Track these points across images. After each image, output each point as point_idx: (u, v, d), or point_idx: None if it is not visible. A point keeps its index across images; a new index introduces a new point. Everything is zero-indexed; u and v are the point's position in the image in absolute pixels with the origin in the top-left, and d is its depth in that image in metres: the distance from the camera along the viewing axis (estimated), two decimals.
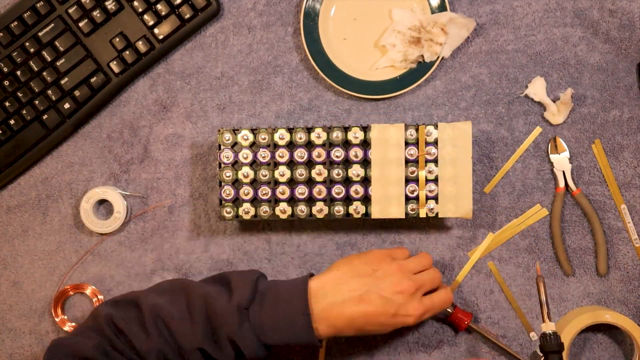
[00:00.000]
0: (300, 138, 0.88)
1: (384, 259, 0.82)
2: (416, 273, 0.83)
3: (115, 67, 0.93)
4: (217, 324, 0.77)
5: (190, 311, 0.78)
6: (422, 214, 0.87)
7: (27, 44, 0.93)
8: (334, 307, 0.77)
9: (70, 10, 0.93)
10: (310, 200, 0.89)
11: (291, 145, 0.89)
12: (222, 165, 0.89)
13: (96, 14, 0.92)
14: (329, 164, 0.89)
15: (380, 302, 0.78)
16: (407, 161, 0.87)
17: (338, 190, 0.88)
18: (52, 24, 0.93)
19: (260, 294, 0.78)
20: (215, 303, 0.77)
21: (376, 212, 0.88)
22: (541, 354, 0.78)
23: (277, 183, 0.89)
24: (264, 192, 0.89)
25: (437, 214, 0.87)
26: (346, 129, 0.88)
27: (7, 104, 0.93)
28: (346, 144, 0.89)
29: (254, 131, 0.89)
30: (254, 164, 0.90)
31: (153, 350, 0.78)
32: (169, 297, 0.80)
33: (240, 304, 0.77)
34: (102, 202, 0.96)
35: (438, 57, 0.91)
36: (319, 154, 0.88)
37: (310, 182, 0.89)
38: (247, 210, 0.89)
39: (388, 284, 0.79)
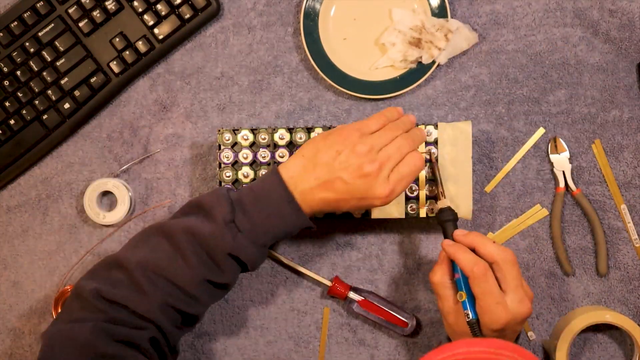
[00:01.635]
0: (300, 138, 0.88)
1: (349, 138, 0.78)
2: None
3: (115, 67, 0.93)
4: (211, 248, 0.76)
5: (178, 250, 0.76)
6: (422, 214, 0.87)
7: (27, 44, 0.93)
8: (307, 194, 0.77)
9: (70, 10, 0.93)
10: None
11: (291, 145, 0.89)
12: (222, 165, 0.89)
13: (96, 14, 0.92)
14: None
15: (345, 188, 0.77)
16: None
17: None
18: (52, 24, 0.93)
19: (237, 202, 0.77)
20: (201, 230, 0.76)
21: (376, 212, 0.88)
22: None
23: None
24: None
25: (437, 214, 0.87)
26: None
27: (7, 104, 0.93)
28: None
29: (254, 131, 0.89)
30: (254, 164, 0.90)
31: (155, 307, 0.75)
32: (149, 247, 0.77)
33: (225, 219, 0.76)
34: (105, 196, 0.96)
35: (434, 62, 0.91)
36: None
37: None
38: None
39: (350, 169, 0.76)
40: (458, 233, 0.81)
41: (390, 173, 0.78)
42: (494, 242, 0.78)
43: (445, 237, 0.82)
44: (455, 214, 0.83)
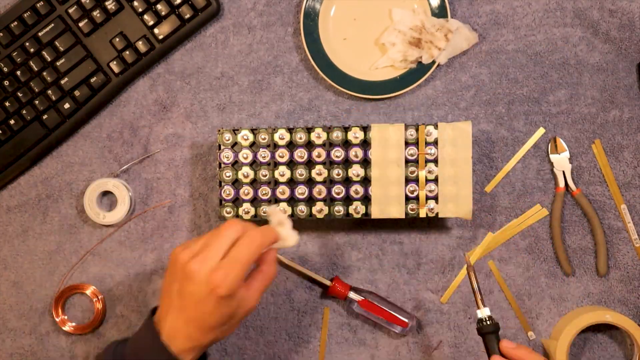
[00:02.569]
0: (300, 138, 0.88)
1: (177, 271, 0.72)
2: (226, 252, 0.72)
3: (115, 67, 0.93)
4: None
5: None
6: (422, 214, 0.87)
7: (27, 44, 0.93)
8: (171, 334, 0.72)
9: (70, 10, 0.93)
10: (310, 200, 0.89)
11: (291, 145, 0.89)
12: (222, 165, 0.89)
13: (96, 14, 0.92)
14: (329, 164, 0.89)
15: (182, 298, 0.72)
16: (407, 161, 0.87)
17: (338, 190, 0.88)
18: (52, 24, 0.93)
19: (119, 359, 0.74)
20: None
21: (376, 212, 0.88)
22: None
23: (277, 183, 0.89)
24: (264, 192, 0.89)
25: (437, 214, 0.87)
26: (346, 129, 0.88)
27: (7, 104, 0.93)
28: (346, 144, 0.89)
29: (254, 131, 0.89)
30: (254, 164, 0.90)
31: None
32: None
33: None
34: (105, 196, 0.96)
35: (434, 62, 0.91)
36: (319, 154, 0.88)
37: (310, 182, 0.89)
38: (247, 210, 0.89)
39: (194, 306, 0.71)
40: (507, 346, 0.76)
41: (219, 261, 0.71)
42: (543, 357, 0.75)
43: (489, 350, 0.77)
44: (498, 325, 0.78)
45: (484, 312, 0.78)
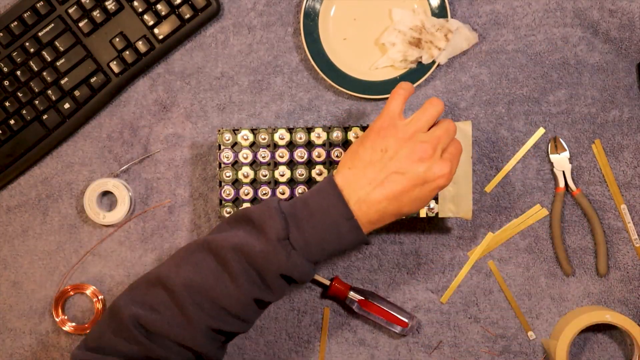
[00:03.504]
0: (300, 138, 0.88)
1: (387, 132, 0.74)
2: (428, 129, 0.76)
3: (115, 67, 0.93)
4: (262, 267, 0.71)
5: (226, 269, 0.71)
6: (422, 214, 0.87)
7: (27, 44, 0.93)
8: (363, 204, 0.72)
9: (70, 10, 0.93)
10: None
11: (291, 145, 0.89)
12: (222, 165, 0.89)
13: (96, 14, 0.92)
14: (329, 164, 0.89)
15: (403, 179, 0.72)
16: None
17: None
18: (52, 24, 0.93)
19: (291, 217, 0.72)
20: (251, 249, 0.71)
21: None
22: None
23: (277, 183, 0.89)
24: (264, 192, 0.89)
25: (437, 214, 0.87)
26: (346, 129, 0.88)
27: (7, 104, 0.93)
28: (346, 144, 0.89)
29: (254, 131, 0.89)
30: (254, 164, 0.90)
31: (200, 334, 0.71)
32: (194, 265, 0.72)
33: (279, 236, 0.71)
34: (105, 196, 0.96)
35: (434, 62, 0.91)
36: (319, 154, 0.88)
37: (310, 182, 0.89)
38: None
39: (403, 159, 0.73)
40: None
41: (443, 153, 0.75)
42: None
43: None
44: None
45: None
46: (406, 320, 0.90)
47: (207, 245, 0.73)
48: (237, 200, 0.90)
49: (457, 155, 0.76)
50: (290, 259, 0.71)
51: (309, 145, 0.89)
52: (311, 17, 0.92)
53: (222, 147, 0.89)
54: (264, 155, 0.89)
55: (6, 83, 0.93)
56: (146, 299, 0.72)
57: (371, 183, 0.73)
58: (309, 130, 0.88)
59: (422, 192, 0.74)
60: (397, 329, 0.91)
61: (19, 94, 0.93)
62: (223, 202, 0.89)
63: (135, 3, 0.93)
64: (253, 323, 0.77)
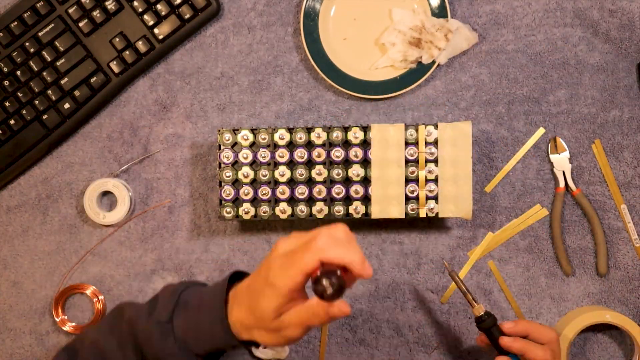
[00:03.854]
0: (300, 138, 0.88)
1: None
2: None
3: (115, 67, 0.93)
4: (143, 346, 0.73)
5: (120, 339, 0.74)
6: (422, 214, 0.87)
7: (27, 44, 0.93)
8: (236, 303, 0.71)
9: (70, 10, 0.93)
10: (310, 200, 0.89)
11: (291, 145, 0.89)
12: (222, 165, 0.89)
13: (96, 14, 0.92)
14: (329, 164, 0.89)
15: (255, 306, 0.69)
16: (407, 161, 0.87)
17: (338, 190, 0.88)
18: (52, 24, 0.93)
19: (183, 305, 0.73)
20: (138, 324, 0.73)
21: (376, 212, 0.88)
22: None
23: (277, 183, 0.89)
24: (264, 192, 0.89)
25: (437, 214, 0.87)
26: (346, 129, 0.88)
27: (7, 104, 0.93)
28: (346, 144, 0.89)
29: (254, 131, 0.89)
30: (254, 164, 0.90)
31: None
32: (105, 328, 0.76)
33: (160, 319, 0.72)
34: (105, 196, 0.96)
35: (434, 62, 0.91)
36: (319, 154, 0.88)
37: (310, 182, 0.89)
38: (247, 210, 0.89)
39: (254, 281, 0.70)
40: (508, 326, 0.81)
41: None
42: (540, 324, 0.80)
43: (494, 340, 0.81)
44: (495, 318, 0.82)
45: (479, 310, 0.82)
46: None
47: (119, 311, 0.77)
48: (237, 200, 0.90)
49: (298, 258, 0.66)
50: (165, 343, 0.71)
51: (309, 145, 0.89)
52: (311, 17, 0.92)
53: (222, 147, 0.89)
54: (264, 155, 0.89)
55: (6, 83, 0.93)
56: (72, 347, 0.77)
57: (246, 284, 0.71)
58: (309, 130, 0.88)
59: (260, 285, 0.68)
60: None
61: (19, 94, 0.93)
62: (223, 202, 0.89)
63: (135, 3, 0.93)
64: None
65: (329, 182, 0.89)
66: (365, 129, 0.88)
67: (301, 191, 0.88)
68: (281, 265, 0.66)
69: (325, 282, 0.61)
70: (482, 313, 0.82)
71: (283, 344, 0.71)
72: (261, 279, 0.67)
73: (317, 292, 0.62)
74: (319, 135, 0.88)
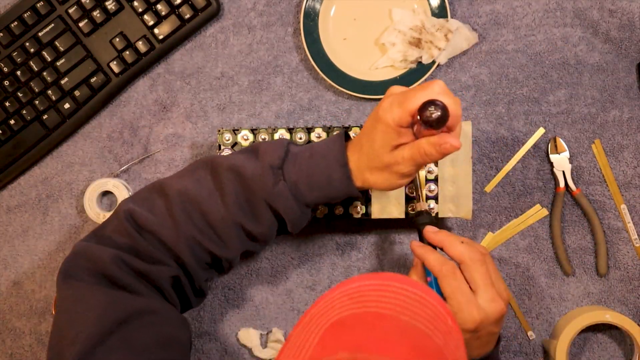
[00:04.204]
0: (300, 138, 0.88)
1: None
2: None
3: (115, 67, 0.93)
4: (250, 190, 0.73)
5: (219, 186, 0.74)
6: None
7: (27, 44, 0.93)
8: (362, 164, 0.73)
9: (70, 10, 0.93)
10: None
11: None
12: None
13: (96, 14, 0.92)
14: None
15: (370, 150, 0.73)
16: None
17: None
18: (52, 24, 0.93)
19: (292, 154, 0.75)
20: (245, 170, 0.73)
21: (376, 212, 0.88)
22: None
23: None
24: None
25: (437, 214, 0.87)
26: (346, 129, 0.88)
27: (7, 104, 0.93)
28: None
29: (254, 131, 0.89)
30: None
31: (183, 240, 0.74)
32: (194, 178, 0.75)
33: (272, 164, 0.73)
34: (105, 196, 0.96)
35: (434, 62, 0.91)
36: None
37: None
38: None
39: (366, 128, 0.74)
40: (429, 229, 0.79)
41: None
42: (462, 241, 0.76)
43: (422, 238, 0.81)
44: (432, 218, 0.81)
45: (422, 206, 0.83)
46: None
47: (210, 162, 0.76)
48: None
49: (409, 98, 0.71)
50: (276, 187, 0.73)
51: None
52: (311, 17, 0.92)
53: (222, 147, 0.89)
54: None
55: (6, 83, 0.93)
56: (144, 200, 0.76)
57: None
58: (309, 130, 0.88)
59: (376, 126, 0.72)
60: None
61: (19, 94, 0.93)
62: None
63: (135, 3, 0.93)
64: (235, 252, 0.77)
65: None
66: None
67: None
68: (392, 101, 0.70)
69: (431, 107, 0.67)
70: (424, 209, 0.82)
71: (394, 184, 0.74)
72: (372, 119, 0.72)
73: (423, 117, 0.67)
74: (319, 136, 0.88)
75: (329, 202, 0.76)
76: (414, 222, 0.82)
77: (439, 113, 0.67)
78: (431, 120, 0.67)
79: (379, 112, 0.70)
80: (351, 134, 0.88)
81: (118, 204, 0.79)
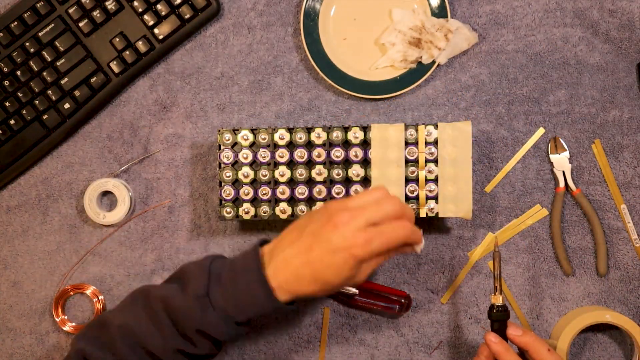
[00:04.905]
0: (300, 138, 0.88)
1: (322, 215, 0.73)
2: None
3: (115, 67, 0.93)
4: (181, 321, 0.74)
5: (154, 319, 0.76)
6: (422, 214, 0.87)
7: (27, 44, 0.93)
8: (279, 266, 0.72)
9: (70, 10, 0.93)
10: (311, 200, 0.89)
11: (291, 145, 0.89)
12: (222, 165, 0.89)
13: (96, 14, 0.93)
14: (329, 164, 0.89)
15: (314, 240, 0.71)
16: (407, 161, 0.87)
17: (338, 190, 0.88)
18: (52, 24, 0.93)
19: (215, 276, 0.74)
20: (173, 302, 0.75)
21: None
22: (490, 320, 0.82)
23: (277, 183, 0.89)
24: (264, 192, 0.89)
25: (437, 214, 0.87)
26: (346, 129, 0.88)
27: (7, 104, 0.93)
28: (346, 144, 0.89)
29: (254, 131, 0.89)
30: (254, 164, 0.90)
31: None
32: (132, 311, 0.77)
33: (197, 294, 0.74)
34: (105, 196, 0.96)
35: (434, 62, 0.91)
36: (319, 154, 0.88)
37: (310, 182, 0.89)
38: (247, 210, 0.89)
39: (318, 222, 0.72)
40: (513, 332, 0.79)
41: (371, 226, 0.71)
42: (548, 349, 0.77)
43: (500, 333, 0.80)
44: (509, 314, 0.81)
45: (498, 299, 0.81)
46: (397, 299, 0.90)
47: (145, 294, 0.78)
48: (237, 200, 0.90)
49: (386, 234, 0.71)
50: (205, 316, 0.74)
51: (309, 145, 0.89)
52: (311, 17, 0.92)
53: (222, 147, 0.89)
54: (264, 155, 0.89)
55: (6, 83, 0.93)
56: (93, 337, 0.78)
57: (288, 244, 0.73)
58: (309, 130, 0.88)
59: (335, 259, 0.70)
60: (395, 307, 0.90)
61: (19, 94, 0.93)
62: (223, 202, 0.89)
63: (135, 3, 0.93)
64: None
65: (329, 182, 0.89)
66: (365, 129, 0.88)
67: (301, 191, 0.88)
68: (366, 238, 0.69)
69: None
70: (500, 303, 0.80)
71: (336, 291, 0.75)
72: (324, 248, 0.70)
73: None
74: (319, 135, 0.88)
75: (262, 317, 0.76)
76: (490, 316, 0.81)
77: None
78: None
79: (347, 247, 0.69)
80: (350, 134, 0.88)
81: (71, 341, 0.81)
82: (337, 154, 0.88)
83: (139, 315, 0.77)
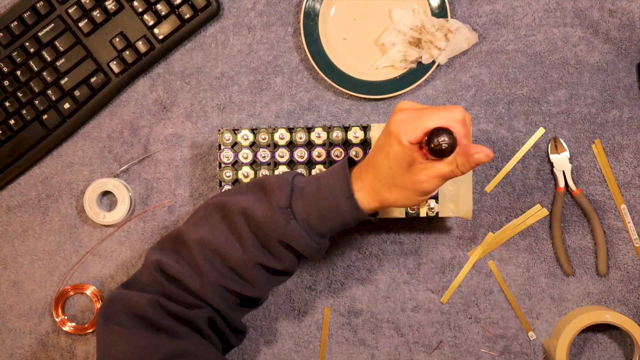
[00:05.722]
0: (300, 138, 0.88)
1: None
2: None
3: (115, 67, 0.93)
4: (263, 232, 0.74)
5: (234, 231, 0.75)
6: (422, 214, 0.87)
7: (27, 44, 0.93)
8: (370, 190, 0.73)
9: (70, 10, 0.93)
10: None
11: (291, 145, 0.89)
12: (222, 165, 0.89)
13: (96, 14, 0.93)
14: (329, 163, 0.89)
15: (384, 171, 0.72)
16: None
17: None
18: (52, 24, 0.93)
19: (299, 189, 0.75)
20: (255, 213, 0.74)
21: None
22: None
23: None
24: None
25: (437, 213, 0.87)
26: (346, 129, 0.88)
27: (7, 104, 0.93)
28: (346, 144, 0.89)
29: (254, 131, 0.89)
30: (254, 164, 0.90)
31: (209, 287, 0.75)
32: (209, 225, 0.77)
33: (280, 205, 0.74)
34: (105, 196, 0.96)
35: (434, 62, 0.91)
36: (319, 154, 0.88)
37: None
38: None
39: (377, 148, 0.73)
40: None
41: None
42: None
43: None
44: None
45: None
46: None
47: (221, 206, 0.77)
48: None
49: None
50: (288, 227, 0.74)
51: (309, 145, 0.89)
52: (311, 17, 0.92)
53: (222, 147, 0.89)
54: (264, 155, 0.89)
55: (6, 83, 0.93)
56: (169, 251, 0.78)
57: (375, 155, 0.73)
58: (309, 130, 0.88)
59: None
60: None
61: (19, 94, 0.93)
62: None
63: (135, 3, 0.93)
64: (264, 290, 0.79)
65: None
66: (365, 129, 0.88)
67: None
68: (406, 117, 0.69)
69: (443, 137, 0.64)
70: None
71: (415, 201, 0.73)
72: (384, 134, 0.71)
73: (431, 143, 0.65)
74: (319, 135, 0.88)
75: (344, 229, 0.77)
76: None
77: (448, 145, 0.65)
78: (437, 150, 0.65)
79: (391, 127, 0.70)
80: (350, 134, 0.88)
81: (145, 254, 0.81)
82: (337, 153, 0.88)
83: (218, 228, 0.76)
